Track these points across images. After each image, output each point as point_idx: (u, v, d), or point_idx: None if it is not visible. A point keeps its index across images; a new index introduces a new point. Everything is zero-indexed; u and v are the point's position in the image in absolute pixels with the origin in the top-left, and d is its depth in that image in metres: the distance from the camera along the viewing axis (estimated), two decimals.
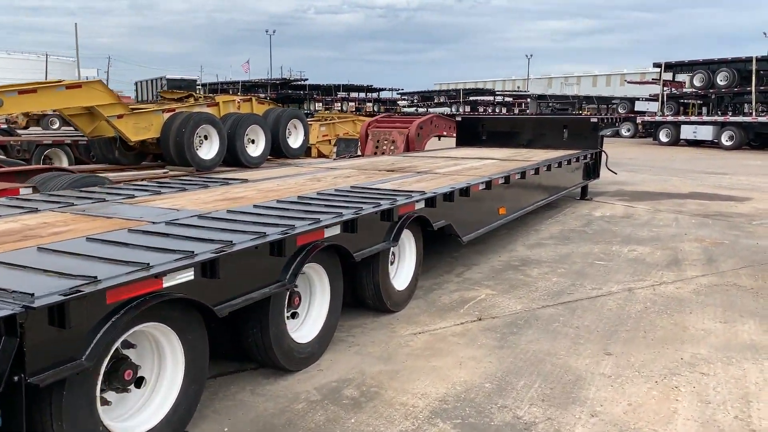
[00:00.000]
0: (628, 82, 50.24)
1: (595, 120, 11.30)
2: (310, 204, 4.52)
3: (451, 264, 6.65)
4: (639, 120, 33.32)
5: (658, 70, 32.27)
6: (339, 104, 56.80)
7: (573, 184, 10.31)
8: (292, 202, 4.60)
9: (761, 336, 4.64)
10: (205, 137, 11.69)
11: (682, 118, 29.83)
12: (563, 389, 3.74)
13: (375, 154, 13.86)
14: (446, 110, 62.62)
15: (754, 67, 27.34)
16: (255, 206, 4.39)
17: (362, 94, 60.58)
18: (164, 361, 3.01)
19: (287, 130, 13.67)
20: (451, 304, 5.29)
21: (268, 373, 3.87)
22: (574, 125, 11.49)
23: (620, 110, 41.09)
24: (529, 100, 51.42)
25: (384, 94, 63.55)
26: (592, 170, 11.12)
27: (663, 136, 29.99)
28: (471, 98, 62.55)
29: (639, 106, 39.10)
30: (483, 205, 6.49)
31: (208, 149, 11.70)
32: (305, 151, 15.68)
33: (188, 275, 2.89)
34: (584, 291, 5.74)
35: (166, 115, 11.39)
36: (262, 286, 3.38)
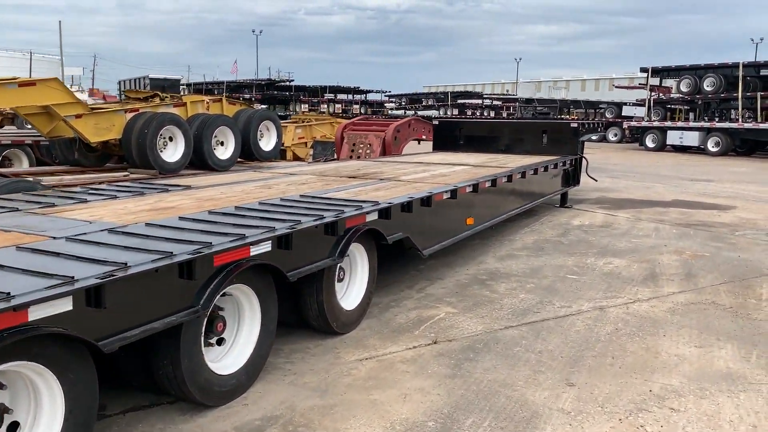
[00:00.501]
0: (617, 87, 50.01)
1: (575, 125, 10.93)
2: (244, 216, 4.09)
3: (415, 278, 6.23)
4: (625, 125, 33.11)
5: (646, 75, 32.08)
6: (325, 106, 56.34)
7: (551, 192, 9.93)
8: (225, 214, 4.16)
9: (738, 363, 4.25)
10: (170, 139, 11.21)
11: (668, 123, 29.60)
12: (515, 428, 3.33)
13: (351, 157, 13.45)
14: (434, 113, 62.32)
15: (740, 73, 27.13)
16: (180, 218, 3.95)
17: (349, 96, 60.10)
18: (39, 404, 2.57)
19: (259, 132, 13.20)
20: (406, 325, 4.86)
21: (185, 408, 3.44)
22: (553, 130, 11.12)
23: (607, 115, 40.93)
24: (517, 103, 51.19)
25: (372, 96, 63.14)
26: (571, 177, 10.75)
27: (649, 142, 29.74)
28: (459, 101, 62.30)
29: (626, 110, 38.95)
30: (448, 215, 6.08)
31: (173, 151, 11.22)
32: (280, 154, 15.26)
33: (65, 306, 2.46)
34: (552, 309, 5.33)
35: (129, 115, 10.91)
36: (167, 314, 2.94)
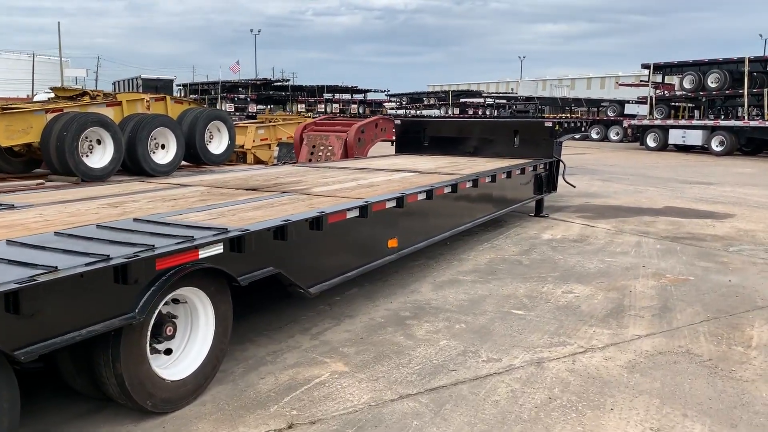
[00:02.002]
0: (621, 85, 48.60)
1: (550, 124, 9.66)
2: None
3: (320, 316, 5.02)
4: (626, 123, 31.74)
5: (648, 71, 30.69)
6: (323, 105, 55.14)
7: (518, 201, 8.68)
8: None
9: None
10: (98, 142, 10.06)
11: (670, 122, 28.20)
12: None
13: (310, 161, 12.26)
14: (436, 112, 61.06)
15: (746, 69, 25.71)
16: None
17: (348, 96, 58.85)
18: None
19: (208, 134, 12.05)
20: (268, 395, 3.64)
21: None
22: (526, 130, 9.86)
23: (609, 113, 39.53)
24: (517, 102, 49.83)
25: (372, 96, 61.84)
26: (545, 183, 9.49)
27: (650, 141, 28.38)
28: (462, 100, 60.90)
29: (629, 109, 37.52)
30: (354, 238, 4.87)
31: (101, 156, 10.06)
32: (240, 157, 14.08)
33: None
34: (474, 365, 4.10)
35: (50, 116, 9.77)
36: None
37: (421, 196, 5.80)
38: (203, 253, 3.34)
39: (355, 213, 4.75)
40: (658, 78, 31.23)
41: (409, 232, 5.72)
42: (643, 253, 7.50)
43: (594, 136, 36.65)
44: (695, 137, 26.45)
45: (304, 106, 55.27)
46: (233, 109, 52.37)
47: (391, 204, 5.27)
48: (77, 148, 9.47)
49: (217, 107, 55.56)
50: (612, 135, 35.89)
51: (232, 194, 5.26)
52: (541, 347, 4.43)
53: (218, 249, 3.44)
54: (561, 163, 10.04)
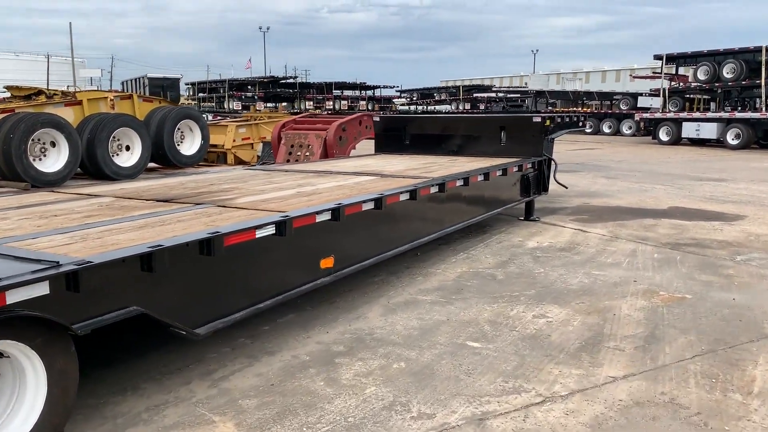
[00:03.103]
0: (635, 77, 47.32)
1: (539, 119, 8.78)
2: None
3: (234, 352, 4.22)
4: (637, 117, 30.58)
5: (660, 62, 29.52)
6: (331, 102, 54.33)
7: (499, 205, 7.81)
8: None
9: None
10: (53, 144, 9.33)
11: (683, 114, 27.05)
12: None
13: (288, 161, 11.50)
14: (447, 108, 60.06)
15: (764, 58, 24.50)
16: None
17: (357, 92, 57.99)
18: None
19: (179, 134, 11.29)
20: None
21: None
22: (513, 126, 8.98)
23: (622, 106, 38.34)
24: (527, 96, 48.67)
25: (382, 92, 60.89)
26: (533, 184, 8.60)
27: (663, 135, 27.25)
28: (475, 95, 59.76)
29: (642, 102, 36.33)
30: (268, 261, 4.05)
31: (55, 159, 9.34)
32: (221, 157, 13.32)
33: None
34: (397, 426, 3.27)
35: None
36: None
37: (369, 206, 4.98)
38: (13, 297, 2.54)
39: (270, 230, 3.94)
40: (672, 69, 30.09)
41: (353, 248, 4.90)
42: (638, 264, 6.61)
43: (606, 130, 35.57)
44: (710, 130, 25.32)
45: (312, 103, 54.56)
46: (240, 107, 51.84)
47: (324, 217, 4.45)
48: (26, 151, 8.75)
49: (225, 105, 55.08)
50: (624, 129, 34.74)
51: (132, 208, 4.47)
52: (490, 396, 3.59)
53: (40, 290, 2.65)
54: (553, 161, 9.16)
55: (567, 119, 10.00)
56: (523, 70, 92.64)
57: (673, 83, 30.53)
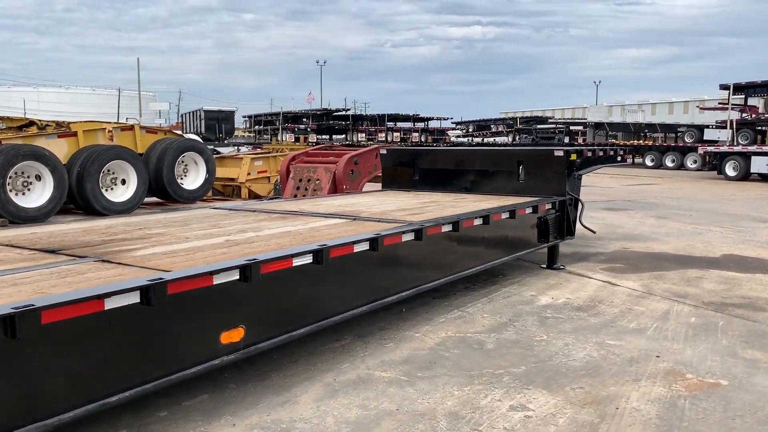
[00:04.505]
0: (703, 109, 44.93)
1: (561, 153, 7.62)
2: None
3: None
4: (701, 150, 28.65)
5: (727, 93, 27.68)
6: (383, 134, 53.93)
7: (504, 255, 6.65)
8: None
9: None
10: (38, 178, 8.76)
11: (752, 148, 25.06)
12: None
13: (296, 196, 10.66)
14: (504, 139, 58.67)
15: None
16: None
17: (410, 124, 57.42)
18: None
19: (182, 167, 10.61)
20: None
21: None
22: (532, 161, 7.86)
23: (687, 139, 36.18)
24: (587, 128, 46.86)
25: (436, 123, 60.11)
26: (555, 227, 7.43)
27: (729, 170, 25.28)
28: (536, 126, 58.18)
29: (709, 134, 34.18)
30: (121, 340, 3.09)
31: (39, 193, 8.75)
32: (235, 191, 12.60)
33: None
34: None
35: None
36: None
37: (304, 260, 3.99)
38: None
39: (134, 298, 3.00)
40: (741, 100, 28.14)
41: (277, 316, 3.90)
42: (667, 331, 5.36)
43: (669, 164, 33.59)
44: None
45: (364, 135, 54.29)
46: (293, 139, 52.05)
47: (228, 277, 3.49)
48: (4, 185, 8.20)
49: (279, 137, 55.37)
50: (689, 163, 32.67)
51: (22, 258, 3.63)
52: None
53: None
54: (579, 202, 7.96)
55: (601, 152, 8.79)
56: (586, 102, 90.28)
57: (744, 114, 28.55)
